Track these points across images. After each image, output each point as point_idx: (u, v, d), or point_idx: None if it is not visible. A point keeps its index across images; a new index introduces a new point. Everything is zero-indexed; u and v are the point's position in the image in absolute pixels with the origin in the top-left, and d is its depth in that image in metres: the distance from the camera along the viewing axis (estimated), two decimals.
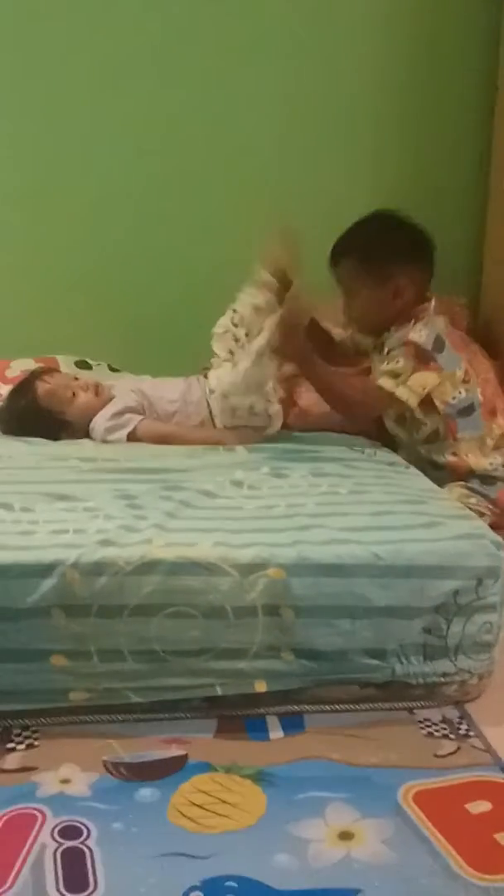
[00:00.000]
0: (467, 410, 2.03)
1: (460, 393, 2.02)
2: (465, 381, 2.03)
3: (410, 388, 1.97)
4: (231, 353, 2.15)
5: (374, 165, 2.71)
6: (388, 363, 2.00)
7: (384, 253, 2.04)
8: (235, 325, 2.15)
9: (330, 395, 2.07)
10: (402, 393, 1.97)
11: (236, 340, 2.13)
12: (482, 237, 2.71)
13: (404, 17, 2.62)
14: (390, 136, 2.69)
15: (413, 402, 1.97)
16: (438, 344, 2.00)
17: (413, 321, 2.04)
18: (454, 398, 2.01)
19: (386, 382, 1.98)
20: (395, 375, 1.97)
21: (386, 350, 2.05)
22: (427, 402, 2.00)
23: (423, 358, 1.99)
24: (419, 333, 2.00)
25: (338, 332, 2.21)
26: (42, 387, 2.24)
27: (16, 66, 2.61)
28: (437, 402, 2.00)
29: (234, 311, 2.14)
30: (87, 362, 2.54)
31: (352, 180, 2.69)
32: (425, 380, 1.97)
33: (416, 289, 2.07)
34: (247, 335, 2.09)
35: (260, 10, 2.60)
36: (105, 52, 2.60)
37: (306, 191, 2.66)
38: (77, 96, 2.64)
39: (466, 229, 2.73)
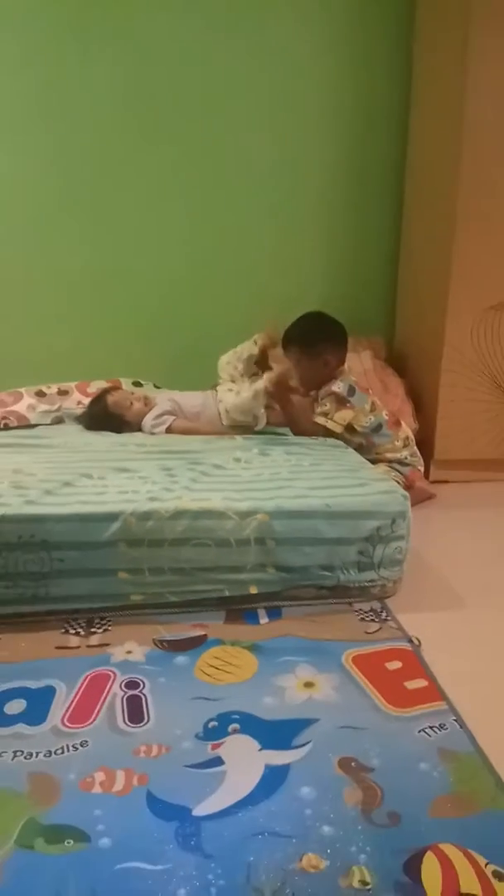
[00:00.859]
0: (377, 428, 2.06)
1: (370, 419, 2.05)
2: (372, 411, 2.06)
3: (336, 422, 2.02)
4: (232, 379, 2.20)
5: (327, 254, 2.66)
6: (320, 407, 2.06)
7: (316, 340, 2.06)
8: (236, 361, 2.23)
9: (293, 423, 2.10)
10: (330, 425, 2.02)
11: (235, 368, 2.20)
12: (394, 300, 2.71)
13: (347, 137, 2.52)
14: (337, 234, 2.64)
15: (338, 430, 2.02)
16: (351, 391, 2.04)
17: (335, 379, 2.07)
18: (366, 423, 2.04)
19: (319, 420, 2.04)
20: (325, 414, 2.03)
21: (320, 398, 2.08)
22: (350, 428, 2.04)
23: (341, 401, 2.03)
24: (338, 386, 2.04)
25: (296, 385, 2.22)
26: (110, 398, 2.21)
27: (75, 115, 2.37)
28: (357, 427, 2.04)
29: (235, 352, 2.21)
30: (139, 382, 2.51)
31: (310, 261, 2.65)
32: (345, 415, 2.02)
33: (337, 360, 2.10)
34: (241, 374, 2.19)
35: (250, 141, 2.49)
36: (156, 104, 2.39)
37: (286, 267, 2.62)
38: (140, 161, 2.42)
39: (385, 295, 2.71)
